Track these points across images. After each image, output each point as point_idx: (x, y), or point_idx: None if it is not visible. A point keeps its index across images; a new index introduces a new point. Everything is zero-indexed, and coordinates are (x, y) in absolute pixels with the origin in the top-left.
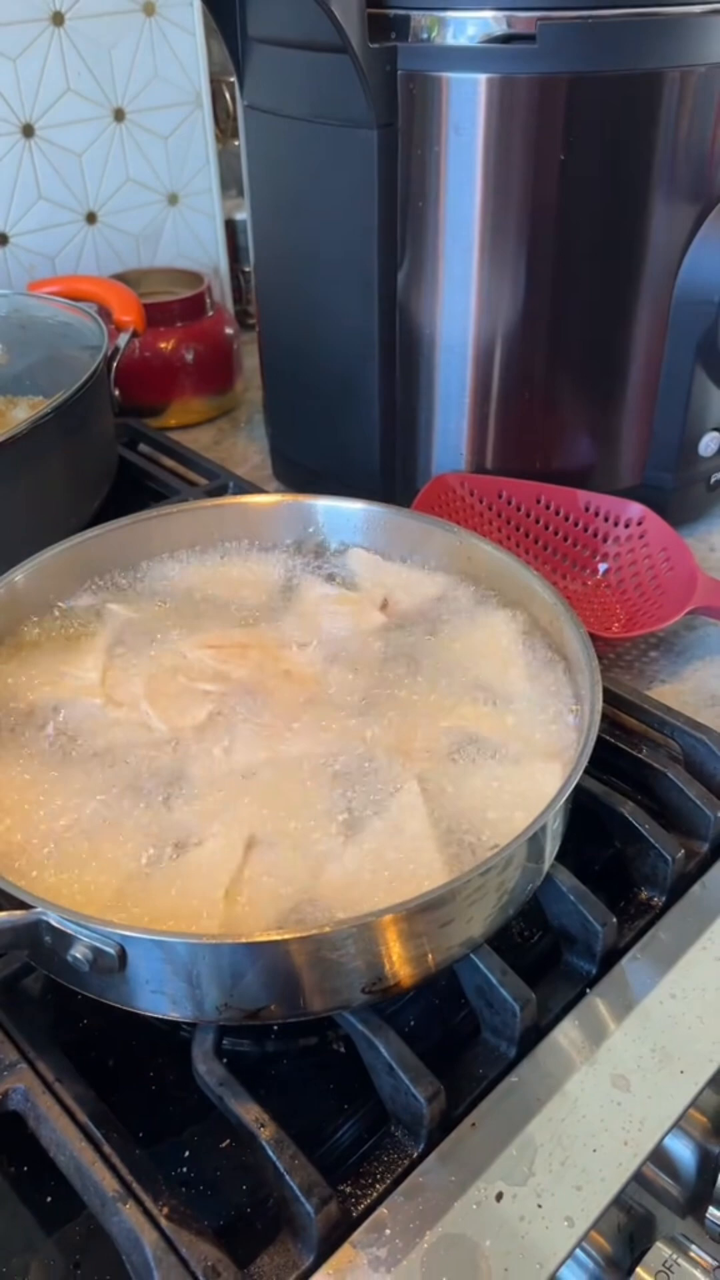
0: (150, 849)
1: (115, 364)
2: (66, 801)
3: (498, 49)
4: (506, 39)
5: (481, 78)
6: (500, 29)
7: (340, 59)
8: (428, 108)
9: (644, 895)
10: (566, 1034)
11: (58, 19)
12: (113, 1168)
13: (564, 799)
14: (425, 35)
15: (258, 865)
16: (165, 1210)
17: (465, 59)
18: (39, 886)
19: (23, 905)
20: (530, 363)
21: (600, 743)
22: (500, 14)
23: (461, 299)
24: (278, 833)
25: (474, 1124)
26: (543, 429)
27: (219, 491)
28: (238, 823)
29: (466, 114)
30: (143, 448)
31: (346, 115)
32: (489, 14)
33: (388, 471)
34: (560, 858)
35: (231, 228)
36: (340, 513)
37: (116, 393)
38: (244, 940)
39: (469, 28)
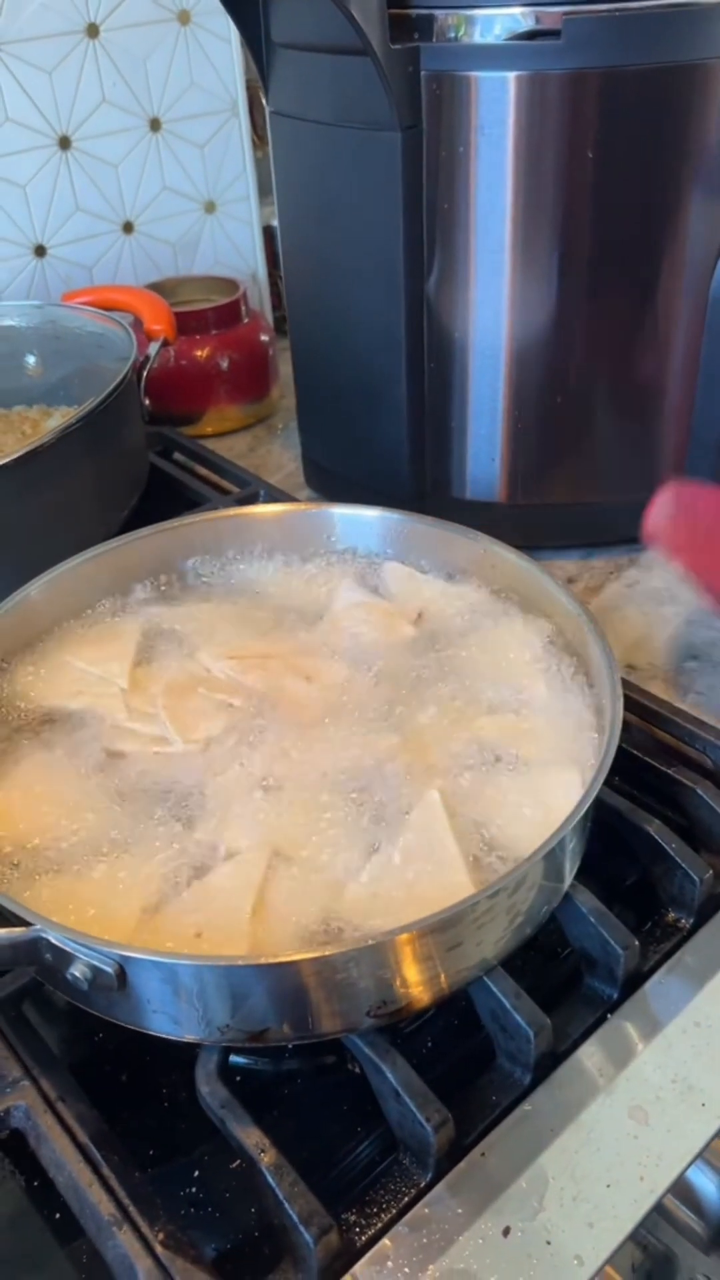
0: (171, 865)
1: (146, 373)
2: (83, 811)
3: (523, 46)
4: (532, 35)
5: (508, 75)
6: (526, 25)
7: (363, 61)
8: (453, 108)
9: (671, 916)
10: (584, 1061)
11: (93, 31)
12: (110, 1191)
13: (579, 816)
14: (449, 34)
15: (280, 882)
16: (161, 1236)
17: (490, 57)
18: (52, 896)
19: (24, 922)
20: (564, 366)
21: (627, 757)
22: (526, 9)
23: (492, 302)
24: (299, 848)
25: (484, 1154)
26: (577, 433)
27: (249, 500)
28: (259, 839)
29: (493, 113)
30: (177, 456)
31: (371, 118)
32: (515, 10)
33: (419, 478)
34: (583, 876)
35: (269, 234)
36: (359, 521)
37: (147, 402)
38: (244, 962)
39: (494, 25)
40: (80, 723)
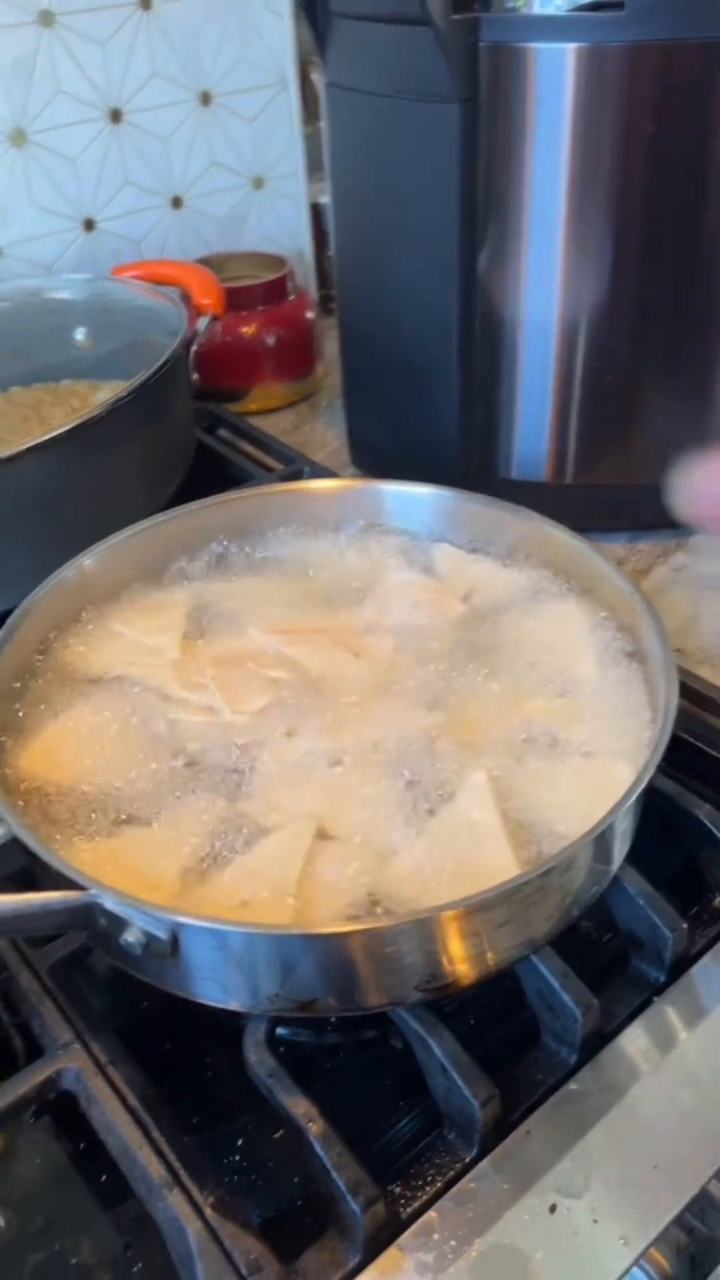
0: (213, 833)
1: (195, 348)
2: (128, 769)
3: (585, 17)
4: (595, 6)
5: (569, 47)
6: None
7: (422, 32)
8: (512, 80)
9: (718, 901)
10: (631, 1042)
11: (145, 3)
12: (160, 1154)
13: (633, 799)
14: (510, 4)
15: (326, 855)
16: (211, 1200)
17: (551, 28)
18: (92, 858)
19: (78, 886)
20: (616, 344)
21: (679, 741)
22: None
23: (545, 279)
24: (345, 823)
25: (529, 1131)
26: (629, 412)
27: (294, 477)
28: (305, 812)
29: (552, 86)
30: (222, 432)
31: (428, 90)
32: None
33: (466, 457)
34: (631, 859)
35: (317, 211)
36: (409, 498)
37: (195, 377)
38: (296, 932)
39: None
40: (130, 688)
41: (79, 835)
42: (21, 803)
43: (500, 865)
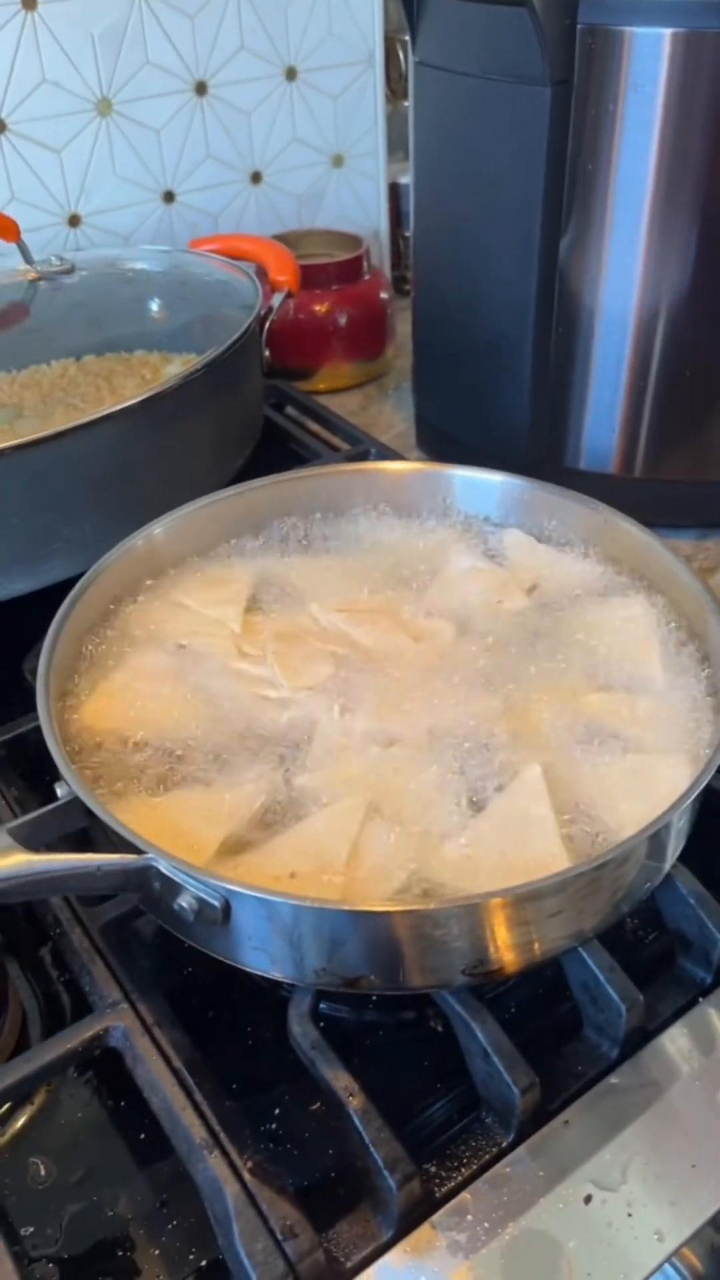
0: (269, 804)
1: (268, 324)
2: (185, 729)
3: (686, 2)
4: None
5: (666, 32)
6: None
7: (518, 13)
8: (606, 64)
9: None
10: (674, 1042)
11: None
12: (202, 1116)
13: (692, 798)
14: None
15: (376, 835)
16: (250, 1165)
17: (650, 12)
18: (146, 815)
19: (135, 849)
20: (695, 338)
21: None
22: None
23: (626, 269)
24: (396, 804)
25: (567, 1121)
26: (703, 408)
27: (360, 457)
28: (357, 790)
29: (647, 71)
30: (289, 410)
31: (520, 71)
32: None
33: (535, 445)
34: (683, 859)
35: (395, 191)
36: (478, 484)
37: (267, 353)
38: (348, 908)
39: None
40: (190, 656)
41: (130, 792)
42: (78, 758)
43: (550, 858)
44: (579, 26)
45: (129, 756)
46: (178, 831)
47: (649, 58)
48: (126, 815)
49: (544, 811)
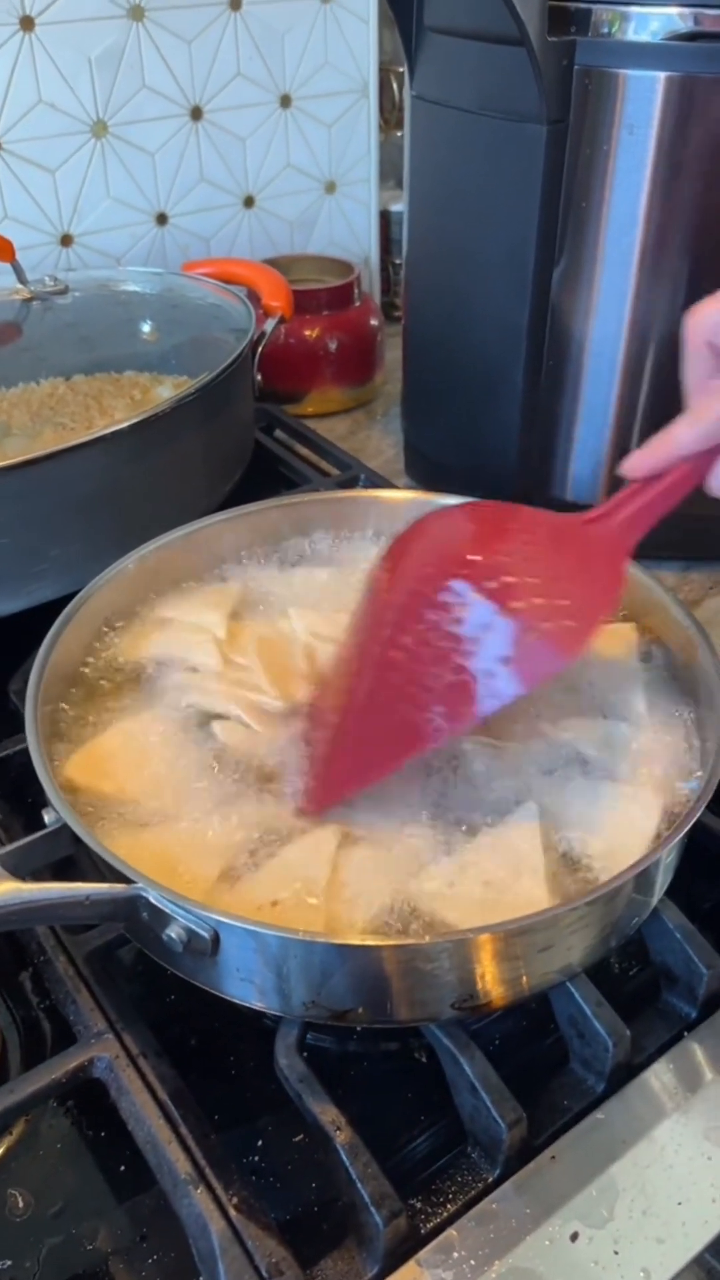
0: (252, 835)
1: (260, 349)
2: (172, 771)
3: (682, 46)
4: (692, 36)
5: (661, 76)
6: (686, 26)
7: (516, 51)
8: (601, 105)
9: None
10: (659, 1077)
11: (235, 3)
12: (188, 1150)
13: (682, 834)
14: (606, 30)
15: (355, 863)
16: (235, 1200)
17: (646, 56)
18: (140, 850)
19: (124, 878)
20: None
21: None
22: (687, 10)
23: (617, 305)
24: (376, 831)
25: (554, 1156)
26: None
27: (350, 483)
28: (335, 816)
29: (642, 113)
30: (279, 434)
31: (517, 109)
32: (674, 10)
33: (524, 475)
34: (669, 893)
35: (385, 219)
36: None
37: (259, 377)
38: (339, 942)
39: (652, 23)
40: (174, 676)
41: (120, 828)
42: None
43: (532, 895)
44: (576, 68)
45: (111, 807)
46: (170, 866)
47: (643, 100)
48: (117, 848)
49: (533, 850)
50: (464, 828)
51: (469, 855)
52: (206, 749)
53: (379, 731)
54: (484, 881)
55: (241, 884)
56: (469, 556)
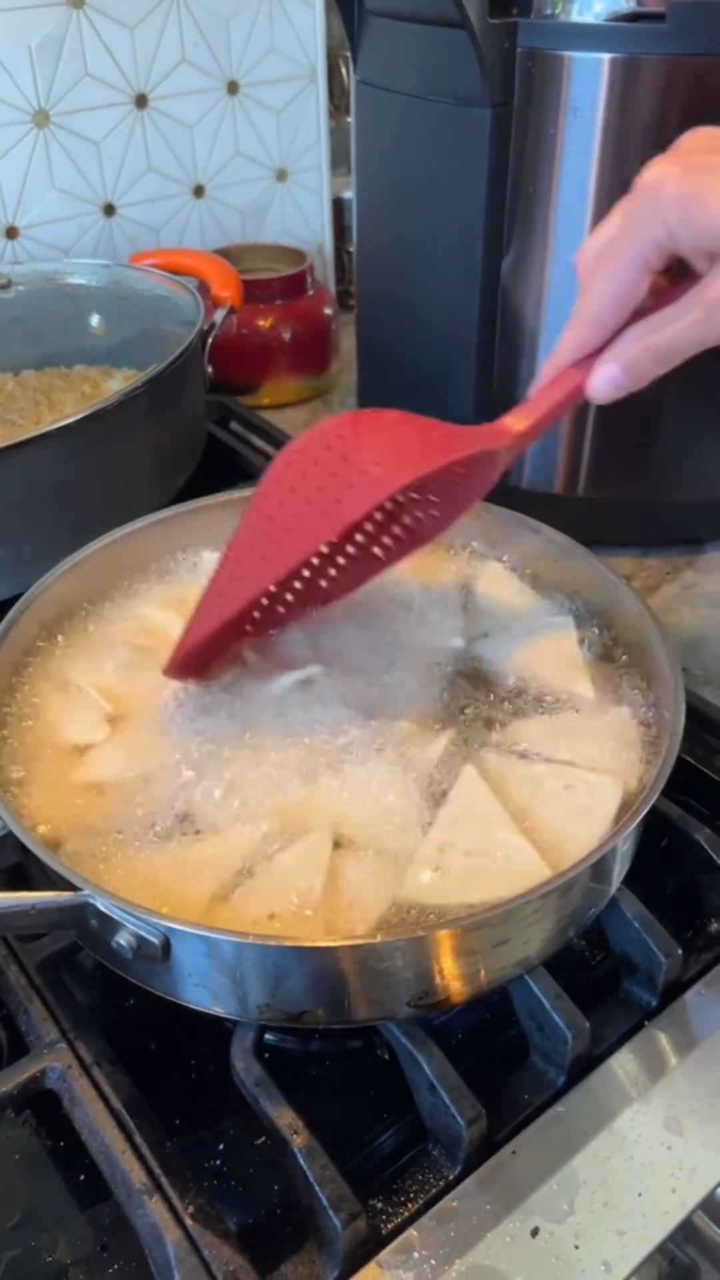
0: (238, 846)
1: (211, 340)
2: (156, 788)
3: (624, 28)
4: (634, 17)
5: (605, 57)
6: (628, 7)
7: (458, 34)
8: (546, 87)
9: (715, 927)
10: (620, 1067)
11: None
12: (142, 1159)
13: (636, 822)
14: (549, 11)
15: (349, 865)
16: (191, 1209)
17: (589, 37)
18: (118, 870)
19: (71, 886)
20: None
21: (680, 763)
22: None
23: (568, 289)
24: (361, 831)
25: (514, 1151)
26: (643, 427)
27: None
28: (322, 821)
29: (586, 95)
30: (234, 426)
31: (461, 93)
32: None
33: None
34: (627, 881)
35: (339, 206)
36: None
37: (210, 369)
38: (291, 943)
39: (595, 4)
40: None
41: (103, 856)
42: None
43: (514, 847)
44: (518, 50)
45: (95, 832)
46: (164, 890)
47: (588, 82)
48: (111, 881)
49: (493, 805)
50: (439, 812)
51: (441, 834)
52: (193, 754)
53: (239, 571)
54: (465, 852)
55: (234, 897)
56: (336, 434)
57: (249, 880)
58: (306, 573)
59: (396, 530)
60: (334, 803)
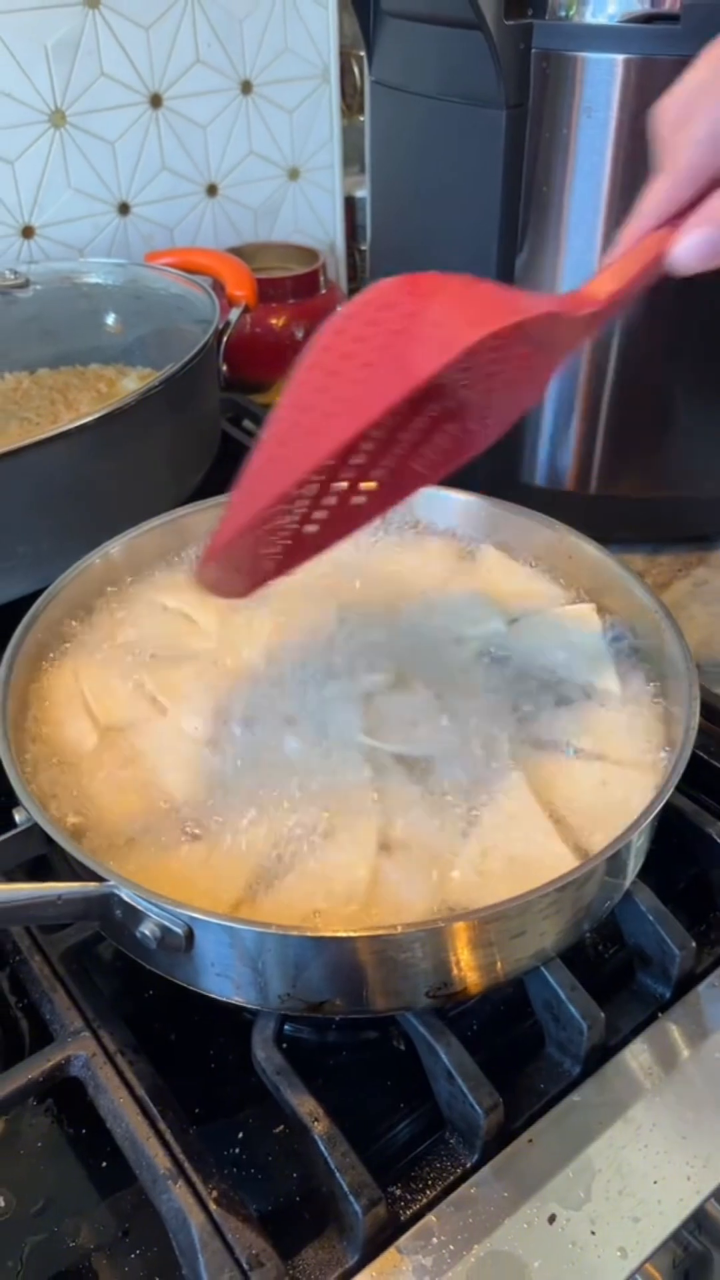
0: (272, 842)
1: (225, 339)
2: (190, 790)
3: (638, 29)
4: (648, 18)
5: (619, 58)
6: (642, 8)
7: (473, 35)
8: (560, 88)
9: None
10: (634, 1057)
11: None
12: (166, 1145)
13: (651, 817)
14: (563, 12)
15: (386, 865)
16: (215, 1194)
17: (603, 38)
18: (155, 860)
19: (96, 877)
20: (647, 358)
21: (694, 759)
22: None
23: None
24: (398, 828)
25: (531, 1140)
26: (656, 425)
27: None
28: (364, 819)
29: (600, 96)
30: (246, 423)
31: (476, 94)
32: None
33: (492, 462)
34: (642, 875)
35: (351, 205)
36: (439, 501)
37: (224, 368)
38: (312, 934)
39: (609, 5)
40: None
41: (131, 851)
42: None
43: (558, 853)
44: (533, 51)
45: (123, 833)
46: (196, 882)
47: (602, 83)
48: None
49: (534, 809)
50: (474, 809)
51: (484, 838)
52: (218, 757)
53: (281, 451)
54: (508, 858)
55: (276, 890)
56: (397, 292)
57: (291, 871)
58: (344, 483)
59: (440, 439)
60: (378, 805)
